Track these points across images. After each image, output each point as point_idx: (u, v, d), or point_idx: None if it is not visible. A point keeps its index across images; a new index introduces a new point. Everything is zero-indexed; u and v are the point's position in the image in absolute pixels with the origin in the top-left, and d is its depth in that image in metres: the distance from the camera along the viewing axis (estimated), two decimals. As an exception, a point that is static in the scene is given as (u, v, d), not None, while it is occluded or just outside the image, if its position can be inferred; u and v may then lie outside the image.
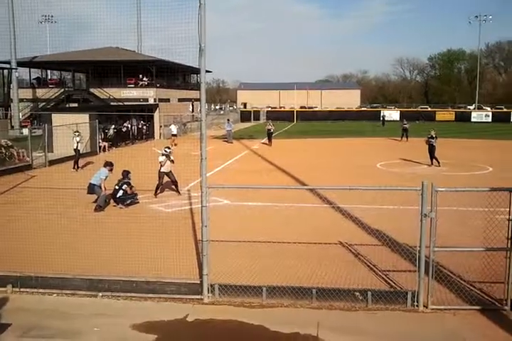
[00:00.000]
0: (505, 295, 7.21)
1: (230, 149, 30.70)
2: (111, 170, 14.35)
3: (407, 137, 34.98)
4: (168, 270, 8.05)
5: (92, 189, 14.01)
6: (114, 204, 14.12)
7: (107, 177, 14.17)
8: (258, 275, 8.21)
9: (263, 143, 34.09)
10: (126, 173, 14.37)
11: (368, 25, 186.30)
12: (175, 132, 33.95)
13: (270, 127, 33.74)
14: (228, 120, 38.77)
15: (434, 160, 22.15)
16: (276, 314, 7.15)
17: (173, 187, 15.75)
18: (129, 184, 14.23)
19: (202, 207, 7.52)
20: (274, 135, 34.65)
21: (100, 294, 7.75)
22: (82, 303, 7.53)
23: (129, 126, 35.00)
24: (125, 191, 14.13)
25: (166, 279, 7.77)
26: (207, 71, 8.50)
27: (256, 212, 13.15)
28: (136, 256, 8.49)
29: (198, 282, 7.65)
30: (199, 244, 8.29)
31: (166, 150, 15.66)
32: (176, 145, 29.11)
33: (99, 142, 28.55)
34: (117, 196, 14.08)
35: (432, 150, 22.16)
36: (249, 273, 8.30)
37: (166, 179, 15.54)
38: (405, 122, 36.32)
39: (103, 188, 13.89)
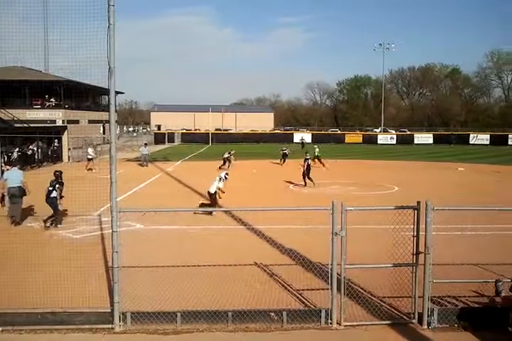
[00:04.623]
0: (413, 309, 7.52)
1: (143, 172, 30.08)
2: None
3: (284, 161, 35.30)
4: (78, 299, 7.65)
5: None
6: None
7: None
8: (172, 300, 8.00)
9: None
10: (59, 173, 14.06)
11: (280, 50, 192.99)
12: (92, 156, 31.53)
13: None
14: (145, 144, 37.77)
15: (308, 180, 23.10)
16: (192, 340, 6.98)
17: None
18: (62, 184, 13.89)
19: (112, 232, 7.25)
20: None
21: (0, 329, 7.18)
22: (-20, 340, 6.93)
23: (35, 148, 33.30)
24: (60, 191, 13.76)
25: (74, 309, 7.35)
26: (119, 92, 8.35)
27: (170, 236, 12.87)
28: (42, 286, 7.98)
29: (109, 310, 7.32)
30: (110, 271, 7.96)
31: (226, 177, 16.70)
32: (91, 170, 27.88)
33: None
34: (51, 196, 13.54)
35: (309, 170, 23.21)
36: (163, 299, 8.07)
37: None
38: (284, 148, 37.27)
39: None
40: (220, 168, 30.59)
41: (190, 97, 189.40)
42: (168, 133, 71.99)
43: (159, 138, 68.16)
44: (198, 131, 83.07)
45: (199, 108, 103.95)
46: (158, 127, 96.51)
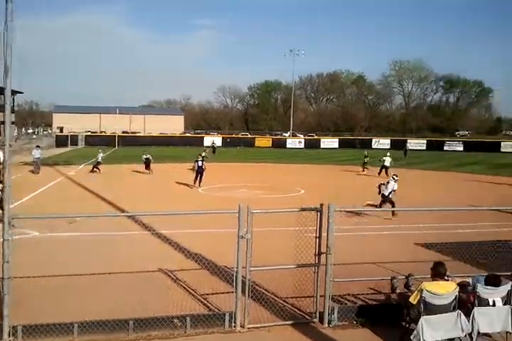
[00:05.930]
0: (315, 308, 7.68)
1: (41, 176, 28.48)
2: None
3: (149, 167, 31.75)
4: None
5: None
6: None
7: None
8: (70, 311, 7.56)
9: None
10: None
11: (192, 52, 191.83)
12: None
13: None
14: (38, 146, 33.60)
15: (199, 182, 24.23)
16: (90, 351, 6.63)
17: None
18: None
19: (3, 240, 6.73)
20: (93, 160, 32.97)
21: None
22: None
23: None
24: None
25: (-44, 326, 6.73)
26: (18, 92, 7.79)
27: (69, 244, 12.24)
28: None
29: (-3, 325, 6.77)
30: (0, 282, 7.38)
31: (394, 177, 17.21)
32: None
33: None
34: None
35: (201, 171, 24.23)
36: (60, 310, 7.61)
37: None
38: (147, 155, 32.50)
39: None
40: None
41: (96, 99, 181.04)
42: (71, 135, 68.92)
43: (61, 140, 65.14)
44: (103, 134, 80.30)
45: (105, 109, 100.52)
46: (61, 129, 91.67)
